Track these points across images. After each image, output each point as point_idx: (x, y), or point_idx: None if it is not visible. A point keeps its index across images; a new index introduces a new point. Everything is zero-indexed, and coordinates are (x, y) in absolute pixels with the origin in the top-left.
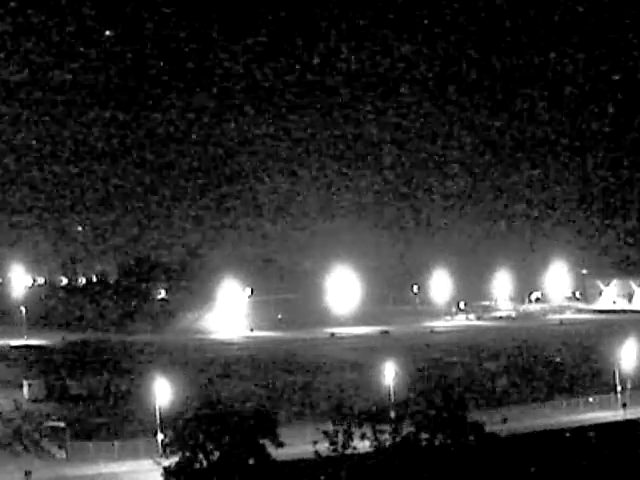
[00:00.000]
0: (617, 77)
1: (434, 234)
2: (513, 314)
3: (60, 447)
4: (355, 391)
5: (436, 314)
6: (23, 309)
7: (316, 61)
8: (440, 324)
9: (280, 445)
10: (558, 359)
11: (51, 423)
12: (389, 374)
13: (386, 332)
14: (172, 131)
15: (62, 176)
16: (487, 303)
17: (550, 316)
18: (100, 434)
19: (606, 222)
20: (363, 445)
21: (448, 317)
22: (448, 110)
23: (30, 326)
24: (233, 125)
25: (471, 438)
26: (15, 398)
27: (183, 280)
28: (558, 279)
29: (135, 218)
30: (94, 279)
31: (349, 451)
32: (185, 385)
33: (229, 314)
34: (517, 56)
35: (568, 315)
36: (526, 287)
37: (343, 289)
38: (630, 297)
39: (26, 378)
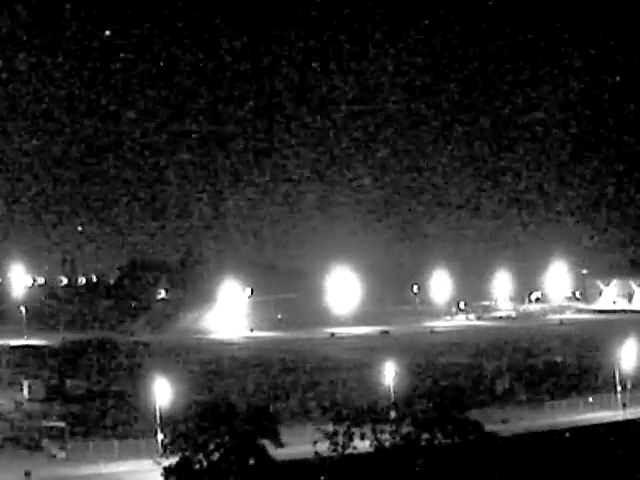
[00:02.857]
0: (619, 78)
1: (434, 234)
2: (513, 314)
3: (60, 447)
4: (355, 391)
5: (436, 314)
6: (23, 309)
7: (315, 59)
8: (440, 324)
9: (280, 445)
10: (558, 359)
11: (51, 423)
12: (389, 374)
13: (386, 332)
14: (172, 131)
15: (62, 176)
16: (487, 303)
17: (550, 316)
18: (100, 434)
19: (606, 222)
20: (363, 445)
21: (448, 317)
22: (448, 110)
23: (30, 326)
24: (233, 125)
25: (471, 438)
26: (15, 398)
27: (183, 280)
28: (558, 279)
29: (135, 218)
30: (94, 279)
31: (349, 451)
32: (185, 385)
33: (229, 314)
34: (519, 55)
35: (568, 315)
36: (526, 287)
37: (343, 289)
38: (630, 297)
39: (26, 378)
